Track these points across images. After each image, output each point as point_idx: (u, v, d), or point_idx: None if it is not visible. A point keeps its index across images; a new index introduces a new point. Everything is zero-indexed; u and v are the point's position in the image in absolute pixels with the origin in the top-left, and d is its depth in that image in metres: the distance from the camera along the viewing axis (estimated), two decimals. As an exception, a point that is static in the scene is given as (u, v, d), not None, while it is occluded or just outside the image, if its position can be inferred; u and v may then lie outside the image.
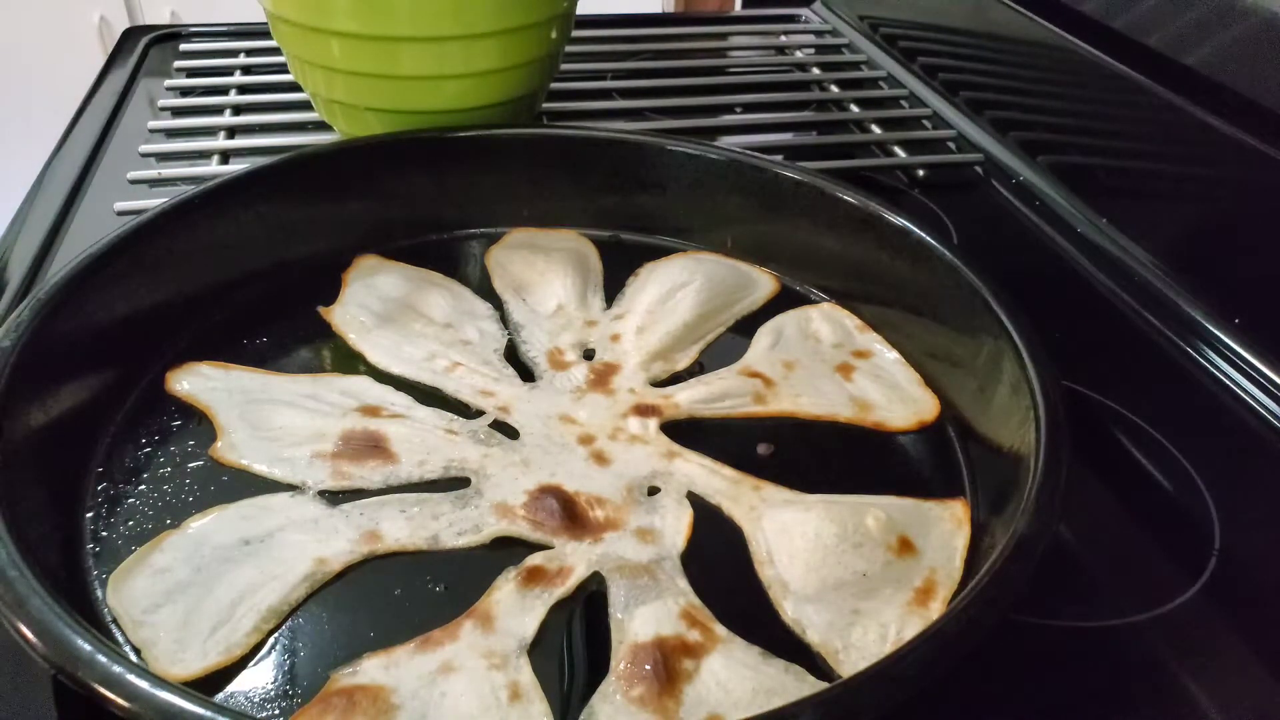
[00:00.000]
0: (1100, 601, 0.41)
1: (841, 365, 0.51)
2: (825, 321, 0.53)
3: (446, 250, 0.59)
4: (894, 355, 0.51)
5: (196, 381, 0.47)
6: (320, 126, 0.70)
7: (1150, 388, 0.53)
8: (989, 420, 0.45)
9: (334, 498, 0.42)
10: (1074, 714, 0.37)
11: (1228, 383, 0.53)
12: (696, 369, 0.51)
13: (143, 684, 0.29)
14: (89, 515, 0.41)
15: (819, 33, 0.96)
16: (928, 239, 0.50)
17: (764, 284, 0.57)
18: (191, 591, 0.37)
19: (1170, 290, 0.58)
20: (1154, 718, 0.37)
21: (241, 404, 0.46)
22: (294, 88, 0.69)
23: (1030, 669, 0.38)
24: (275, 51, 0.69)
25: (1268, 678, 0.38)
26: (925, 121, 0.79)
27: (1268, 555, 0.43)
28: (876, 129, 0.78)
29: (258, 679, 0.35)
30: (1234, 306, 0.55)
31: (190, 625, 0.36)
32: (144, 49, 0.86)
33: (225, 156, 0.68)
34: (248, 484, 0.42)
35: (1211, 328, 0.55)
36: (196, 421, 0.45)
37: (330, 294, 0.54)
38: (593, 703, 0.34)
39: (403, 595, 0.38)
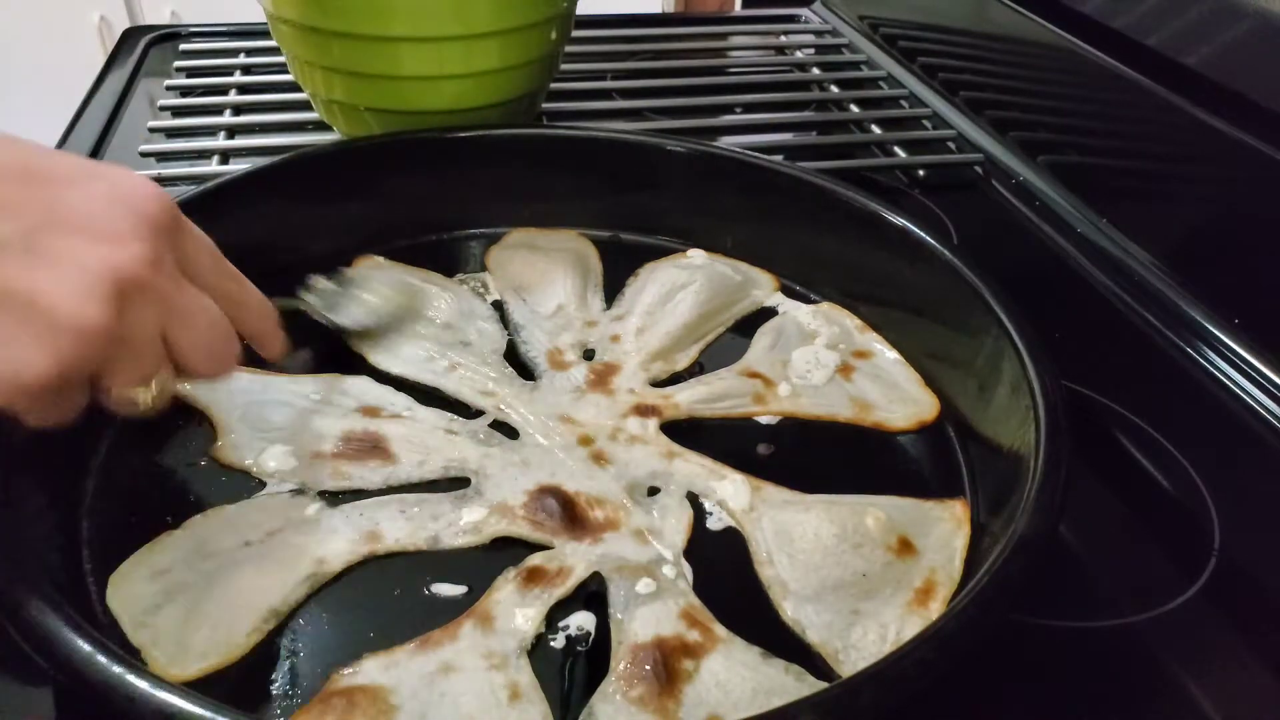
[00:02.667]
0: (1100, 601, 0.41)
1: (841, 365, 0.51)
2: (825, 321, 0.53)
3: (446, 250, 0.59)
4: (894, 355, 0.51)
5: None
6: (320, 126, 0.70)
7: (1150, 388, 0.53)
8: (989, 420, 0.45)
9: (334, 498, 0.42)
10: (1074, 714, 0.37)
11: (1228, 383, 0.53)
12: (696, 369, 0.51)
13: (143, 684, 0.29)
14: (89, 515, 0.41)
15: (819, 33, 0.96)
16: (928, 239, 0.50)
17: (764, 284, 0.57)
18: (191, 592, 0.37)
19: (1170, 290, 0.58)
20: (1154, 718, 0.37)
21: (242, 404, 0.46)
22: (294, 88, 0.69)
23: (1030, 669, 0.38)
24: (275, 51, 0.69)
25: (1268, 678, 0.38)
26: (925, 121, 0.79)
27: (1268, 555, 0.43)
28: (876, 129, 0.78)
29: (258, 679, 0.35)
30: (1234, 306, 0.55)
31: (190, 625, 0.36)
32: (144, 49, 0.86)
33: (225, 156, 0.68)
34: (248, 484, 0.42)
35: (1211, 328, 0.55)
36: (196, 421, 0.45)
37: (330, 294, 0.54)
38: (593, 703, 0.34)
39: (403, 595, 0.38)
